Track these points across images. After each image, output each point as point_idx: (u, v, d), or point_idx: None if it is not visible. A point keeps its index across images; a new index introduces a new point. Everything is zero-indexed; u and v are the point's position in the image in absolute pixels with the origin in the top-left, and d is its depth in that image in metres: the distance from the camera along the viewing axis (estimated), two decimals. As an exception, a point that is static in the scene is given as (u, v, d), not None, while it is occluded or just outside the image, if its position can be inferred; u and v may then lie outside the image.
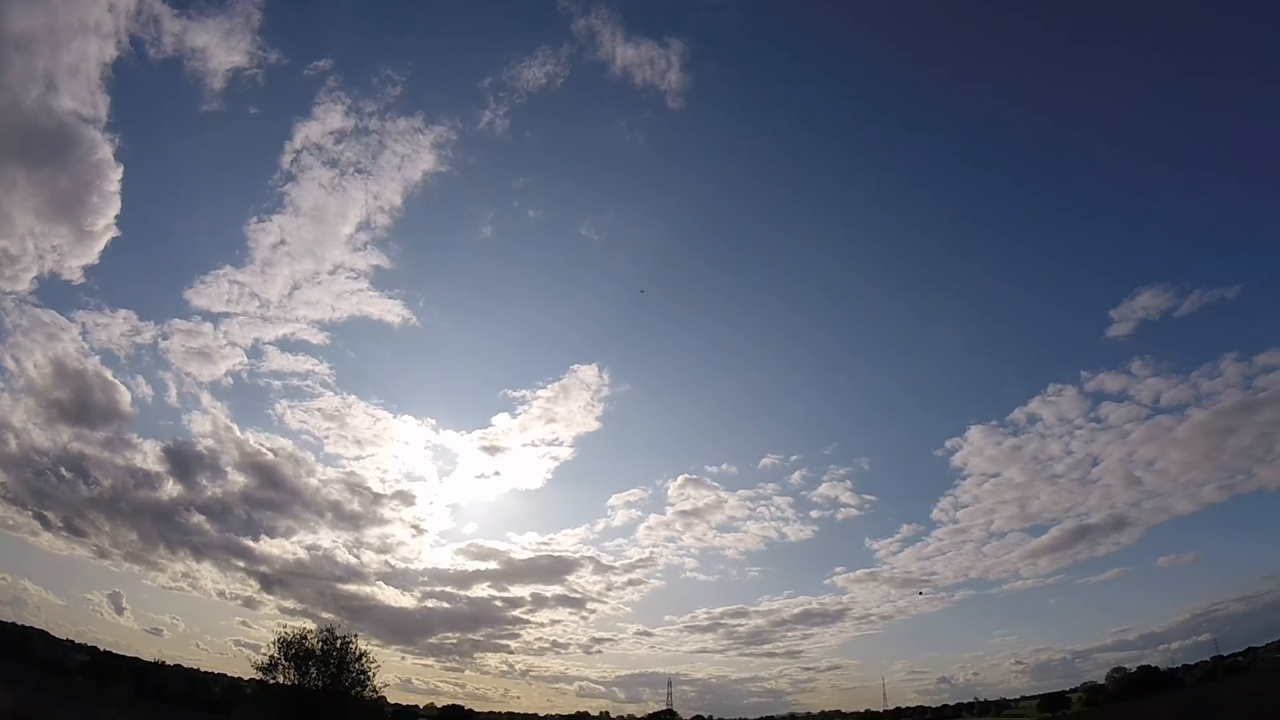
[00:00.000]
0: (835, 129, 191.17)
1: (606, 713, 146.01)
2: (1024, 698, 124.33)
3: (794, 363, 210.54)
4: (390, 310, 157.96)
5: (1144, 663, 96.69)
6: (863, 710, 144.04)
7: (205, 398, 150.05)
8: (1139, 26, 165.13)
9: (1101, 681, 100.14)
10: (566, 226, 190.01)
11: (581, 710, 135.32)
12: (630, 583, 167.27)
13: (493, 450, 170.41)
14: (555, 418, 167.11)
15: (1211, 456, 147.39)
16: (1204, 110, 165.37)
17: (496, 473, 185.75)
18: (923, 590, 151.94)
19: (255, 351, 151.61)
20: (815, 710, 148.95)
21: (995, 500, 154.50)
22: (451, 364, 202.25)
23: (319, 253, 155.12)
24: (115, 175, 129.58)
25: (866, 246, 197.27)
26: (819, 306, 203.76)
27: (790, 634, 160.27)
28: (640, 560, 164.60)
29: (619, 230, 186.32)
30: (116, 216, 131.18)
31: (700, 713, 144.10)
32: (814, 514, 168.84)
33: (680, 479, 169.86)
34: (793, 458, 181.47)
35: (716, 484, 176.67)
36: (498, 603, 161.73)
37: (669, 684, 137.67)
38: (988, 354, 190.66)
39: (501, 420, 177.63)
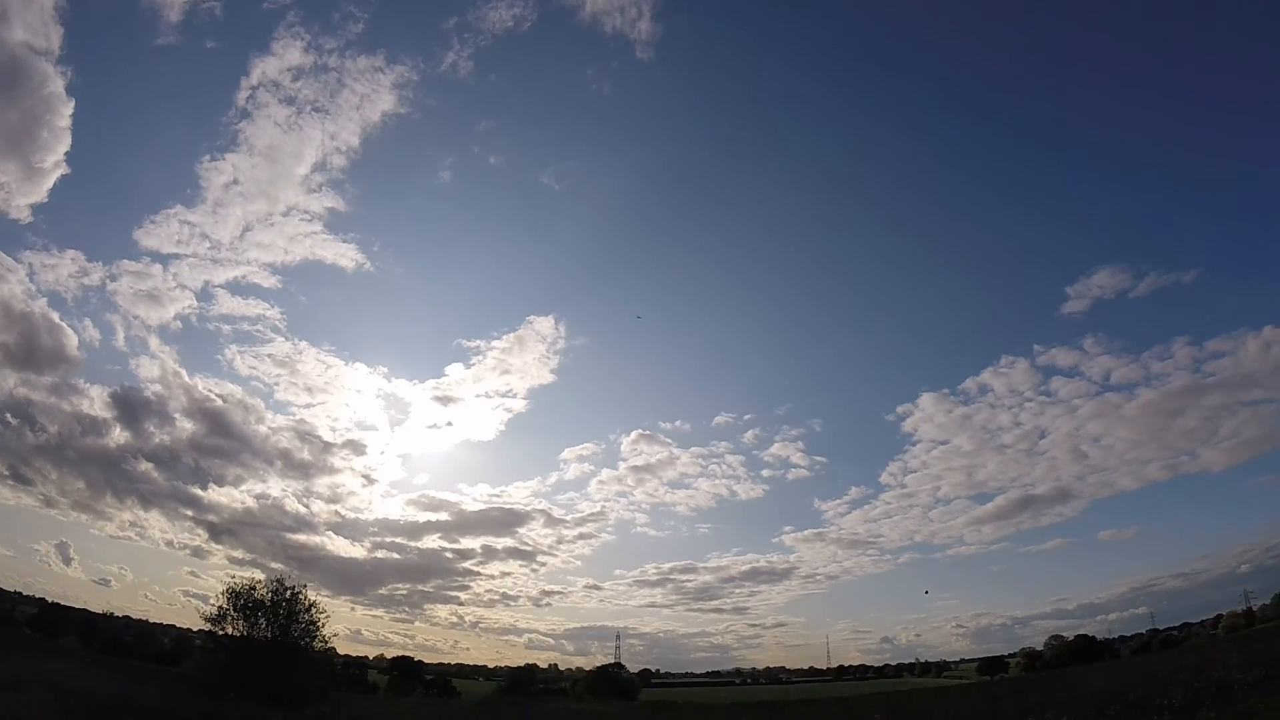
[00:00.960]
0: (803, 88, 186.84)
1: (555, 665, 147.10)
2: (964, 660, 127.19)
3: (752, 321, 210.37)
4: (344, 254, 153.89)
5: (1081, 632, 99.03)
6: (806, 667, 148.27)
7: (154, 342, 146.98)
8: (1100, 7, 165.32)
9: (1039, 648, 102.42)
10: (528, 174, 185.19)
11: (530, 662, 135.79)
12: (581, 536, 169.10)
13: (445, 400, 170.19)
14: (510, 369, 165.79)
15: (1157, 436, 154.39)
16: (1170, 93, 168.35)
17: (449, 423, 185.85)
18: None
19: (205, 295, 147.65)
20: (760, 666, 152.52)
21: (943, 467, 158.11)
22: (405, 311, 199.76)
23: (272, 193, 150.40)
24: (66, 110, 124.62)
25: (830, 209, 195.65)
26: (780, 266, 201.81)
27: (738, 591, 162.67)
28: (591, 514, 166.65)
29: (581, 180, 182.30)
30: (66, 153, 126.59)
31: (648, 666, 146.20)
32: (765, 473, 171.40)
33: (634, 434, 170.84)
34: (746, 417, 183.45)
35: (670, 440, 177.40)
36: (448, 554, 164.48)
37: (617, 637, 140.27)
38: (943, 323, 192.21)
39: (455, 370, 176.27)
